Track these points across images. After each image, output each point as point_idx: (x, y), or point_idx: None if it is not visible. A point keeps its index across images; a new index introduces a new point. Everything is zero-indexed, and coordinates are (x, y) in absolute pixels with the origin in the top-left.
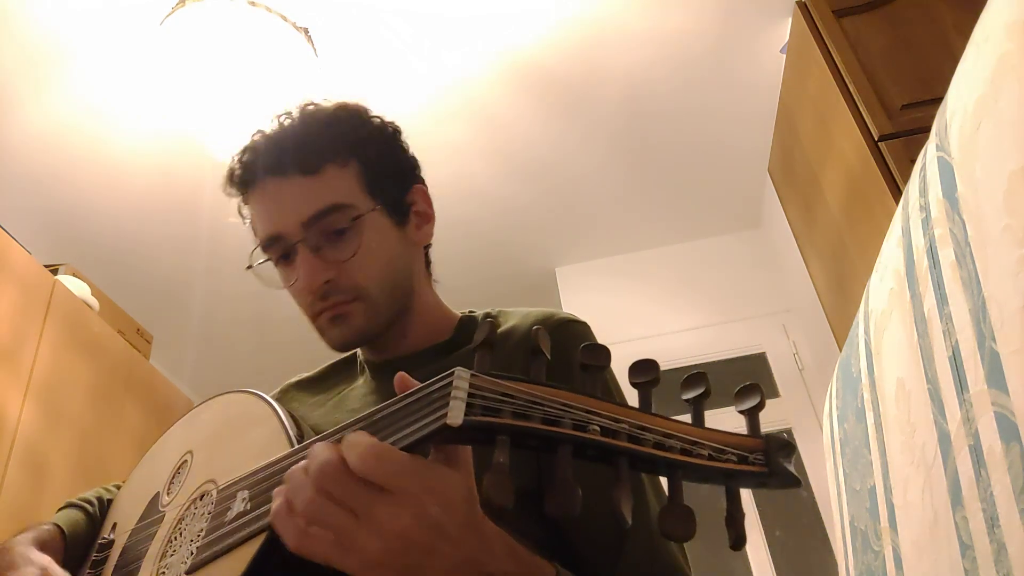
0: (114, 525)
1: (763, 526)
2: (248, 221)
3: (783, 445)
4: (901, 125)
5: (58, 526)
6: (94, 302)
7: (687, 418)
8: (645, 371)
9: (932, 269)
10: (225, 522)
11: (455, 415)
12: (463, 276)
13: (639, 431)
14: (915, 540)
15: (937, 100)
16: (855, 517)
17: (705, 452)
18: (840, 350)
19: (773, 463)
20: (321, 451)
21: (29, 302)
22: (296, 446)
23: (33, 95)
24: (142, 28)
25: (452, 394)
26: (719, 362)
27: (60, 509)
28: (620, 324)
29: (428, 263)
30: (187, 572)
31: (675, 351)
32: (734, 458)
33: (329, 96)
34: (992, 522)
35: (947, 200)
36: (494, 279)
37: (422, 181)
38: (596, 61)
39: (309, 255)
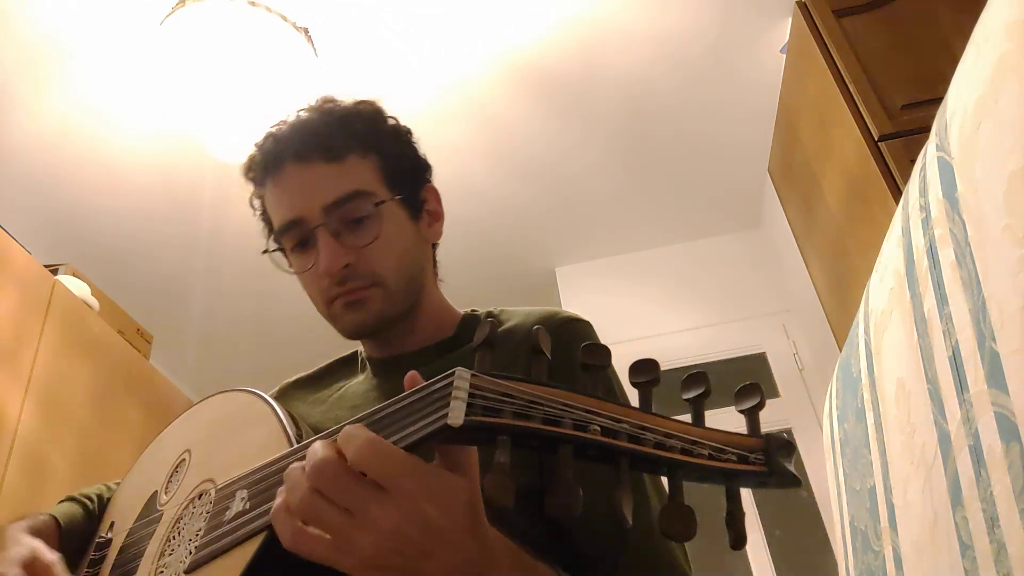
0: (112, 524)
1: (763, 526)
2: (259, 212)
3: (783, 445)
4: (901, 125)
5: (54, 517)
6: (94, 302)
7: (687, 418)
8: (645, 371)
9: (932, 269)
10: (224, 521)
11: (456, 415)
12: (463, 276)
13: (640, 431)
14: (915, 540)
15: (937, 100)
16: (855, 517)
17: (705, 452)
18: (840, 350)
19: (773, 463)
20: (318, 449)
21: (29, 302)
22: (295, 445)
23: (33, 95)
24: (142, 28)
25: (453, 394)
26: (719, 362)
27: (60, 502)
28: (620, 324)
29: (435, 262)
30: (185, 571)
31: (675, 351)
32: (734, 458)
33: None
34: (992, 522)
35: (947, 200)
36: (494, 279)
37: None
38: (596, 61)
39: (330, 239)
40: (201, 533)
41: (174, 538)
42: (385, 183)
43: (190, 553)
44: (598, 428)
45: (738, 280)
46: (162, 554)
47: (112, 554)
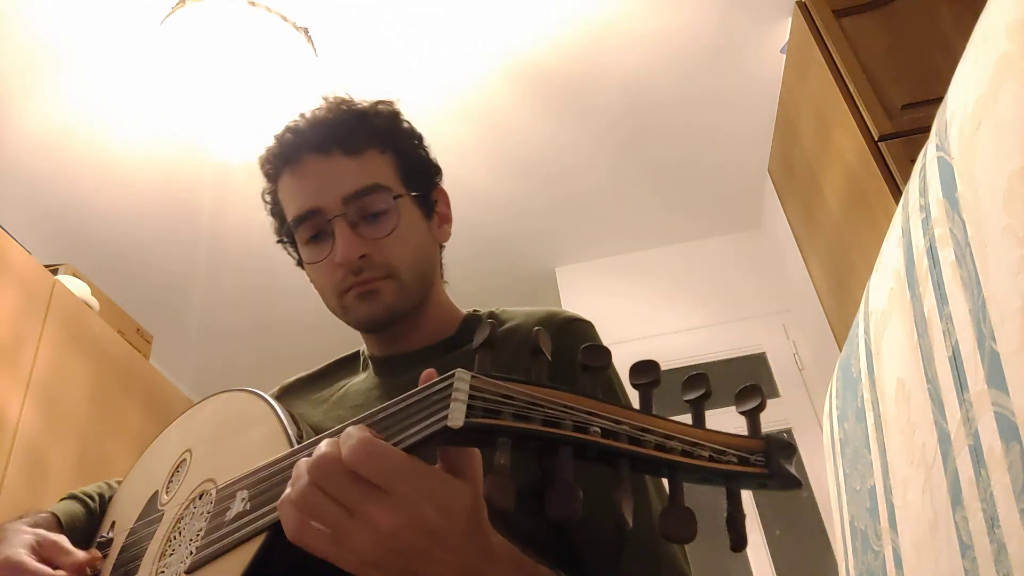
0: (113, 523)
1: (763, 526)
2: (269, 206)
3: (784, 446)
4: (901, 125)
5: (54, 514)
6: (94, 302)
7: (688, 419)
8: (646, 372)
9: (932, 269)
10: (225, 522)
11: (456, 417)
12: (463, 276)
13: (640, 432)
14: (915, 540)
15: (937, 100)
16: (855, 517)
17: (706, 453)
18: (840, 350)
19: (774, 464)
20: (323, 446)
21: (29, 302)
22: (296, 446)
23: (33, 95)
24: (142, 28)
25: (453, 396)
26: (719, 362)
27: (61, 500)
28: (620, 324)
29: (442, 264)
30: (186, 572)
31: (675, 351)
32: (735, 459)
33: (329, 96)
34: (992, 522)
35: (947, 200)
36: (494, 279)
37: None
38: (596, 61)
39: (347, 229)
40: (202, 533)
41: (175, 538)
42: (401, 180)
43: (191, 553)
44: (598, 430)
45: (738, 280)
46: (163, 554)
47: (113, 553)
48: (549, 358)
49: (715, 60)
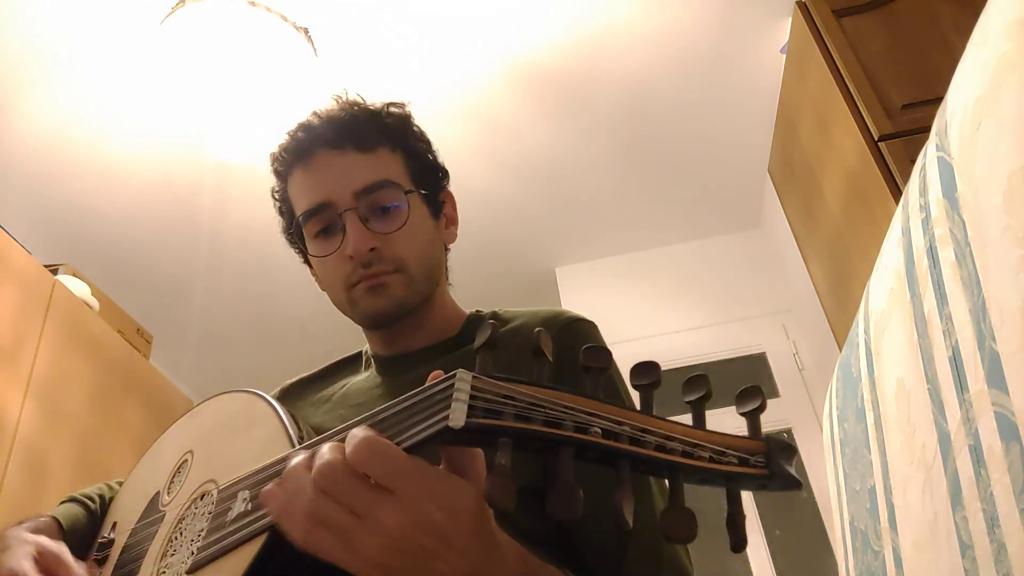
0: (114, 524)
1: (763, 526)
2: (278, 203)
3: (784, 447)
4: (901, 125)
5: (55, 519)
6: (94, 302)
7: (688, 420)
8: (646, 373)
9: (932, 269)
10: (226, 522)
11: (457, 417)
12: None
13: (641, 433)
14: (915, 540)
15: (937, 100)
16: (855, 517)
17: (706, 454)
18: (840, 350)
19: (774, 465)
20: (325, 451)
21: (29, 302)
22: (297, 446)
23: (33, 95)
24: (142, 28)
25: (454, 396)
26: (719, 362)
27: (62, 503)
28: (620, 324)
29: (447, 266)
30: (187, 572)
31: (675, 351)
32: (735, 460)
33: (329, 96)
34: (992, 522)
35: (947, 200)
36: (494, 279)
37: None
38: (596, 61)
39: (358, 223)
40: (203, 534)
41: (176, 538)
42: (411, 178)
43: (192, 554)
44: (599, 430)
45: (738, 280)
46: (164, 554)
47: (115, 554)
48: (551, 359)
49: (715, 61)
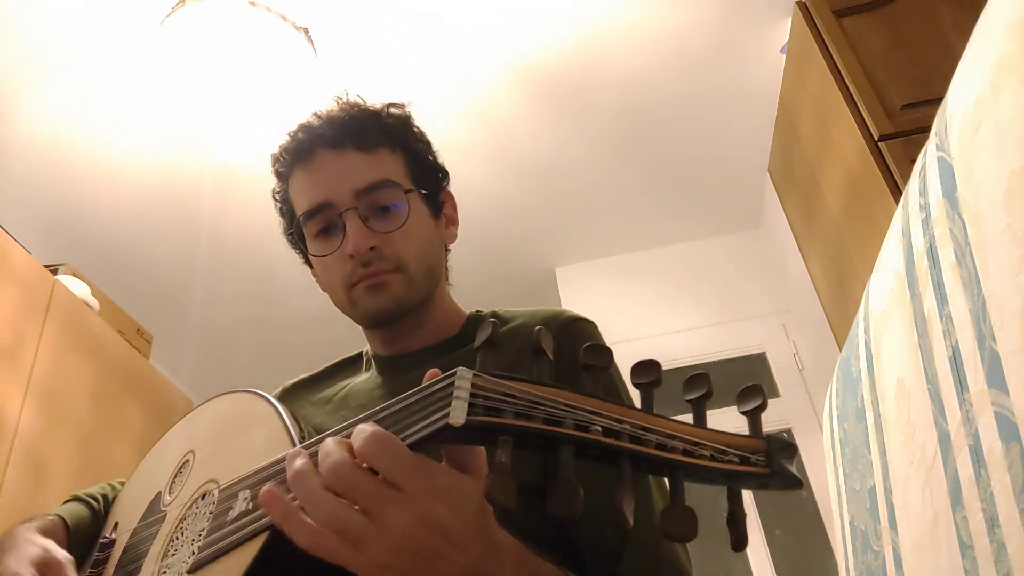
0: (116, 524)
1: (763, 526)
2: (279, 204)
3: (785, 446)
4: (901, 125)
5: (62, 518)
6: (94, 302)
7: (689, 419)
8: (647, 372)
9: (932, 269)
10: (227, 522)
11: (457, 415)
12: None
13: (641, 432)
14: (915, 540)
15: (937, 100)
16: (855, 517)
17: (707, 453)
18: (840, 350)
19: (775, 464)
20: (332, 451)
21: (29, 302)
22: (298, 446)
23: (33, 95)
24: (142, 28)
25: (454, 394)
26: (719, 362)
27: (66, 502)
28: (620, 324)
29: (447, 266)
30: (188, 571)
31: (676, 351)
32: (736, 459)
33: (329, 96)
34: (992, 522)
35: (947, 200)
36: (494, 279)
37: None
38: (596, 61)
39: (358, 222)
40: (204, 533)
41: (177, 538)
42: (411, 178)
43: (193, 553)
44: (600, 428)
45: (738, 280)
46: (165, 554)
47: (116, 554)
48: (551, 357)
49: (715, 60)
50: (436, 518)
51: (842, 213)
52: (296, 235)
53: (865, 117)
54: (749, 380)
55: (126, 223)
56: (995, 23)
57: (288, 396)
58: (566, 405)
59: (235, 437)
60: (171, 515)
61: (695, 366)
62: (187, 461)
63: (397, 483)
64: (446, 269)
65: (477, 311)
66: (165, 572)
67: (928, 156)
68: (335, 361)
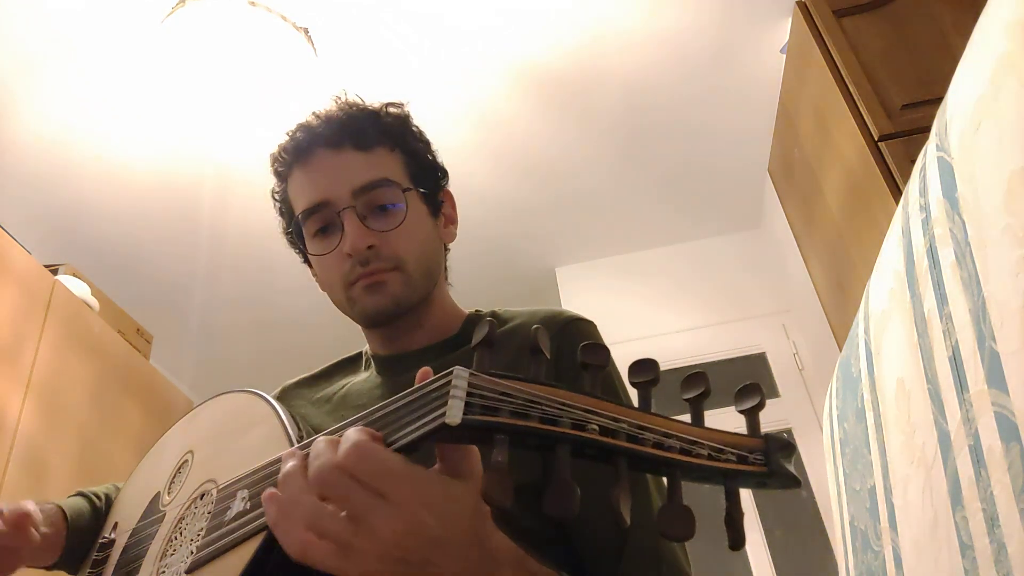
0: (115, 524)
1: (763, 526)
2: (278, 204)
3: (783, 445)
4: (901, 125)
5: (60, 507)
6: (94, 302)
7: (687, 418)
8: (645, 371)
9: (932, 269)
10: (225, 521)
11: (453, 414)
12: (463, 276)
13: (638, 430)
14: (915, 540)
15: (937, 100)
16: (855, 517)
17: (704, 452)
18: (840, 350)
19: (773, 463)
20: (321, 453)
21: (29, 302)
22: (296, 446)
23: (33, 95)
24: (142, 28)
25: (451, 393)
26: (719, 362)
27: (70, 496)
28: (620, 324)
29: (446, 266)
30: (187, 571)
31: (675, 351)
32: (734, 458)
33: (328, 96)
34: (992, 522)
35: (947, 200)
36: (494, 279)
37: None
38: (596, 61)
39: (357, 221)
40: (202, 533)
41: (176, 538)
42: (410, 177)
43: (191, 553)
44: (596, 427)
45: (738, 280)
46: (164, 554)
47: (115, 554)
48: (548, 356)
49: (715, 60)
50: (424, 527)
51: (842, 213)
52: (295, 234)
53: (865, 117)
54: (749, 380)
55: (126, 223)
56: (995, 23)
57: (288, 396)
58: (563, 404)
59: (234, 437)
60: (170, 515)
61: (695, 366)
62: (186, 461)
63: (381, 491)
64: (445, 268)
65: (477, 311)
66: (164, 572)
67: (928, 156)
68: (335, 361)
